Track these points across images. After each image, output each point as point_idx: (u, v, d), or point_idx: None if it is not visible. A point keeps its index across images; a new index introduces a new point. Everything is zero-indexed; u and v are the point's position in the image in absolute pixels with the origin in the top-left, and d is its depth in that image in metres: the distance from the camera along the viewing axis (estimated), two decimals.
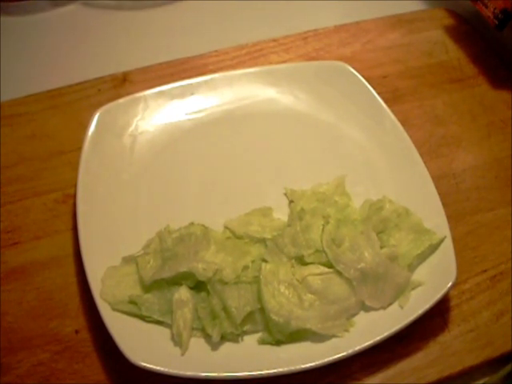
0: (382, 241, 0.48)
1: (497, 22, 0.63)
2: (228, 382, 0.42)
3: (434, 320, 0.47)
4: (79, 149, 0.52)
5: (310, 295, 0.45)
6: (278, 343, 0.44)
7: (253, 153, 0.56)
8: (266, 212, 0.51)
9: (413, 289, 0.46)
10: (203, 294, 0.45)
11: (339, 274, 0.46)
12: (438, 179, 0.52)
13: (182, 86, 0.59)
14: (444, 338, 0.47)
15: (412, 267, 0.47)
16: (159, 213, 0.51)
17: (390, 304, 0.45)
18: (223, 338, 0.43)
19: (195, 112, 0.58)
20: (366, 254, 0.46)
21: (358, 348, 0.43)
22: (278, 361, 0.42)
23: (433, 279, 0.46)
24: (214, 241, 0.48)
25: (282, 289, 0.45)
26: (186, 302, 0.44)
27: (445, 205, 0.50)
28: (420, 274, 0.47)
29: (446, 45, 0.69)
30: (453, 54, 0.68)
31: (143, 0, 0.73)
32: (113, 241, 0.48)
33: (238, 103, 0.59)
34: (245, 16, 0.73)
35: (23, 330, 0.46)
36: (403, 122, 0.56)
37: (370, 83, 0.58)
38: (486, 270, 0.50)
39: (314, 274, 0.46)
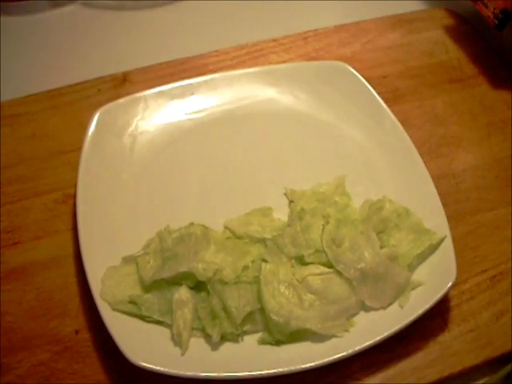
0: (382, 241, 0.48)
1: (497, 22, 0.63)
2: (228, 382, 0.42)
3: (434, 320, 0.47)
4: (79, 149, 0.52)
5: (309, 295, 0.45)
6: (278, 343, 0.44)
7: (253, 153, 0.56)
8: (265, 212, 0.51)
9: (413, 289, 0.46)
10: (203, 293, 0.45)
11: (339, 274, 0.46)
12: (438, 179, 0.52)
13: (182, 86, 0.59)
14: (444, 337, 0.47)
15: (412, 267, 0.47)
16: (159, 213, 0.51)
17: (390, 304, 0.45)
18: (223, 338, 0.43)
19: (195, 112, 0.58)
20: (366, 254, 0.46)
21: (358, 348, 0.42)
22: (278, 361, 0.42)
23: (433, 279, 0.46)
24: (214, 241, 0.48)
25: (282, 289, 0.45)
26: (186, 302, 0.44)
27: (445, 205, 0.50)
28: (420, 273, 0.47)
29: (445, 45, 0.69)
30: (453, 53, 0.68)
31: (143, 0, 0.73)
32: (113, 241, 0.48)
33: (238, 103, 0.59)
34: (245, 16, 0.73)
35: (23, 330, 0.46)
36: (403, 122, 0.56)
37: (370, 83, 0.58)
38: (486, 270, 0.50)
39: (314, 274, 0.46)
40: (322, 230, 0.48)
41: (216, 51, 0.66)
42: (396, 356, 0.45)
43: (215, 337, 0.43)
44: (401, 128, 0.55)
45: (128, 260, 0.47)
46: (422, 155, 0.53)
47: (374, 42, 0.68)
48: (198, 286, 0.45)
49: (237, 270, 0.46)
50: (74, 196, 0.50)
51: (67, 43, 0.69)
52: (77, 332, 0.46)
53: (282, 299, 0.44)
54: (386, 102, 0.57)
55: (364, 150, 0.56)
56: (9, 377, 0.44)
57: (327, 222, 0.48)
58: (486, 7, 0.64)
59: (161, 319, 0.44)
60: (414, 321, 0.44)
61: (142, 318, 0.44)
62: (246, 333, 0.44)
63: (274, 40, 0.68)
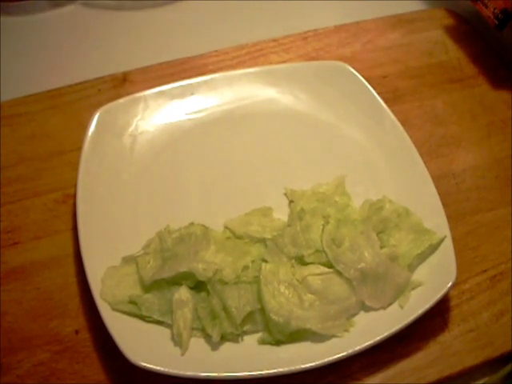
0: (382, 241, 0.48)
1: (497, 22, 0.63)
2: (228, 382, 0.42)
3: (434, 320, 0.47)
4: (79, 149, 0.52)
5: (310, 295, 0.45)
6: (278, 343, 0.44)
7: (253, 153, 0.56)
8: (266, 212, 0.51)
9: (413, 289, 0.46)
10: (203, 294, 0.45)
11: (339, 274, 0.46)
12: (438, 179, 0.52)
13: (182, 86, 0.59)
14: (444, 337, 0.47)
15: (412, 267, 0.47)
16: (159, 213, 0.51)
17: (390, 304, 0.45)
18: (223, 338, 0.43)
19: (195, 112, 0.58)
20: (366, 254, 0.46)
21: (358, 348, 0.43)
22: (278, 361, 0.42)
23: (433, 279, 0.46)
24: (214, 241, 0.48)
25: (282, 289, 0.45)
26: (186, 302, 0.44)
27: (445, 205, 0.50)
28: (420, 273, 0.47)
29: (445, 45, 0.69)
30: (453, 53, 0.68)
31: (143, 0, 0.73)
32: (113, 241, 0.48)
33: (238, 103, 0.59)
34: (245, 16, 0.73)
35: (23, 330, 0.46)
36: (403, 122, 0.56)
37: (370, 83, 0.58)
38: (486, 270, 0.50)
39: (314, 274, 0.46)
40: (322, 230, 0.48)
41: (216, 51, 0.66)
42: (396, 356, 0.45)
43: (215, 337, 0.43)
44: (401, 128, 0.55)
45: (128, 260, 0.47)
46: (422, 155, 0.53)
47: (374, 42, 0.68)
48: (198, 286, 0.45)
49: (237, 270, 0.46)
50: (74, 196, 0.50)
51: (67, 43, 0.69)
52: (77, 332, 0.46)
53: (282, 299, 0.44)
54: (386, 102, 0.57)
55: (364, 150, 0.56)
56: (9, 377, 0.44)
57: (327, 222, 0.48)
58: (486, 7, 0.64)
59: (161, 319, 0.44)
60: (414, 321, 0.44)
61: (142, 318, 0.44)
62: (245, 333, 0.44)
63: (274, 40, 0.68)
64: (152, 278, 0.45)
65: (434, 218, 0.49)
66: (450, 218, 0.49)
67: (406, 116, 0.59)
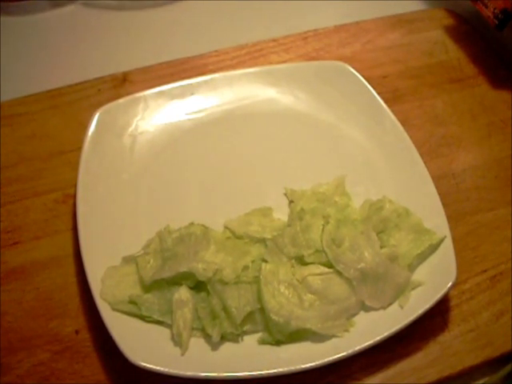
0: (382, 241, 0.48)
1: (497, 22, 0.63)
2: (228, 382, 0.42)
3: (434, 320, 0.47)
4: (79, 149, 0.52)
5: (310, 295, 0.45)
6: (278, 343, 0.44)
7: (253, 153, 0.56)
8: (266, 212, 0.51)
9: (413, 289, 0.46)
10: (203, 294, 0.45)
11: (339, 274, 0.46)
12: (438, 179, 0.52)
13: (181, 86, 0.59)
14: (444, 337, 0.47)
15: (412, 267, 0.47)
16: (159, 213, 0.51)
17: (390, 304, 0.45)
18: (223, 338, 0.43)
19: (195, 112, 0.58)
20: (366, 254, 0.46)
21: (358, 348, 0.43)
22: (278, 361, 0.42)
23: (433, 279, 0.46)
24: (213, 241, 0.48)
25: (282, 289, 0.45)
26: (186, 302, 0.44)
27: (445, 205, 0.50)
28: (420, 273, 0.47)
29: (445, 45, 0.69)
30: (453, 53, 0.68)
31: (143, 0, 0.73)
32: (113, 241, 0.48)
33: (238, 103, 0.59)
34: (245, 16, 0.73)
35: (23, 330, 0.46)
36: (403, 122, 0.56)
37: (370, 83, 0.58)
38: (485, 270, 0.50)
39: (314, 274, 0.46)
40: (322, 230, 0.48)
41: (216, 51, 0.66)
42: (396, 356, 0.45)
43: (215, 337, 0.43)
44: (401, 128, 0.55)
45: (128, 260, 0.47)
46: (422, 155, 0.53)
47: (374, 42, 0.68)
48: (198, 286, 0.45)
49: (237, 270, 0.46)
50: (74, 196, 0.50)
51: (67, 43, 0.69)
52: (77, 332, 0.46)
53: (282, 299, 0.44)
54: (386, 102, 0.57)
55: (364, 150, 0.56)
56: (9, 377, 0.44)
57: (327, 222, 0.48)
58: (486, 7, 0.64)
59: (161, 319, 0.44)
60: (414, 321, 0.44)
61: (142, 318, 0.44)
62: (245, 333, 0.44)
63: (274, 40, 0.68)
64: (152, 277, 0.45)
65: (434, 218, 0.49)
66: (450, 218, 0.49)
67: (405, 116, 0.59)
